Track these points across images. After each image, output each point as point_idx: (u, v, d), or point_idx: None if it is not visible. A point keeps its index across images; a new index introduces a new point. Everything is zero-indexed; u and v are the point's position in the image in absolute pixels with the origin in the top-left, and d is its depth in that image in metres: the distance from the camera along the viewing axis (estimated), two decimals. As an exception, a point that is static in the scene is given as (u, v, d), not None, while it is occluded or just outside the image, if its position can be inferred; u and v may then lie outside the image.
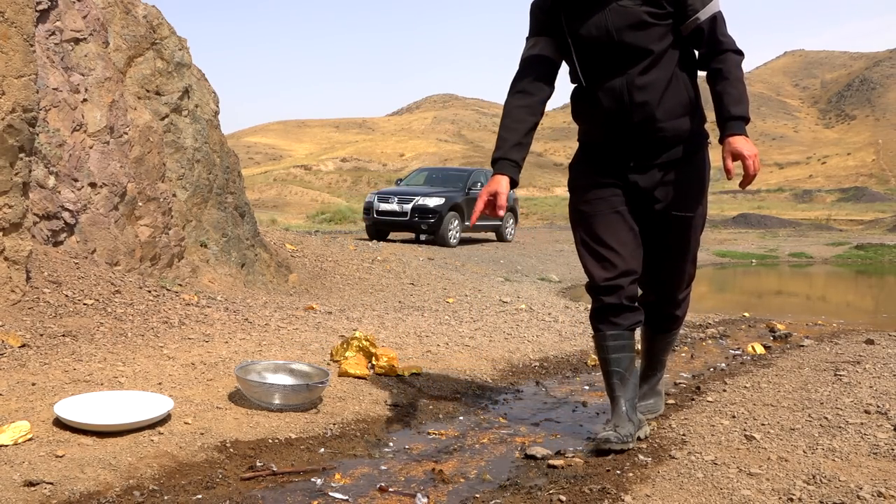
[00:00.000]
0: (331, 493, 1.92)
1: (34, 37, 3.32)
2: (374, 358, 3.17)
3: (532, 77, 2.29)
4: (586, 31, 2.19)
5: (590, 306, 2.37)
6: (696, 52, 2.27)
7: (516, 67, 2.35)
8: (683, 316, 2.59)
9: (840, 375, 3.28)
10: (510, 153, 2.24)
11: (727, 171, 2.12)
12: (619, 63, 2.18)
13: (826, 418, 2.55)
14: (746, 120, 2.17)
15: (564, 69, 2.35)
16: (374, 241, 11.29)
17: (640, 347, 2.67)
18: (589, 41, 2.20)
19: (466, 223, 12.72)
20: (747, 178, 2.13)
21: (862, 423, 2.47)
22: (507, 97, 2.32)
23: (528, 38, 2.34)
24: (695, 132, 2.28)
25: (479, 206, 2.19)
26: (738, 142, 2.12)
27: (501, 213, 2.19)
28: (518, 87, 2.31)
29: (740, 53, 2.21)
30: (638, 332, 2.46)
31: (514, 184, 2.22)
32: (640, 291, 2.42)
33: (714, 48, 2.21)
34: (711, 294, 9.69)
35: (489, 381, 3.29)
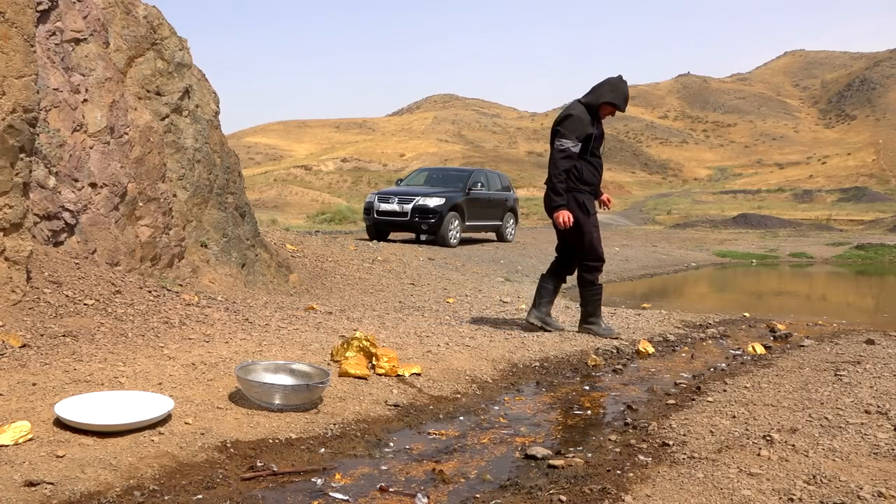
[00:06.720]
0: (331, 493, 1.92)
1: (34, 37, 3.32)
2: (374, 358, 3.17)
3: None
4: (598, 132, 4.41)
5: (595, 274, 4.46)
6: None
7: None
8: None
9: (840, 375, 3.28)
10: None
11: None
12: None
13: (826, 418, 2.55)
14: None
15: None
16: (375, 242, 11.28)
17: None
18: (596, 138, 4.41)
19: (467, 223, 12.71)
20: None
21: (862, 423, 2.47)
22: None
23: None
24: None
25: None
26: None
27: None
28: None
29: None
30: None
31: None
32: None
33: None
34: (712, 294, 9.68)
35: (489, 381, 3.29)
